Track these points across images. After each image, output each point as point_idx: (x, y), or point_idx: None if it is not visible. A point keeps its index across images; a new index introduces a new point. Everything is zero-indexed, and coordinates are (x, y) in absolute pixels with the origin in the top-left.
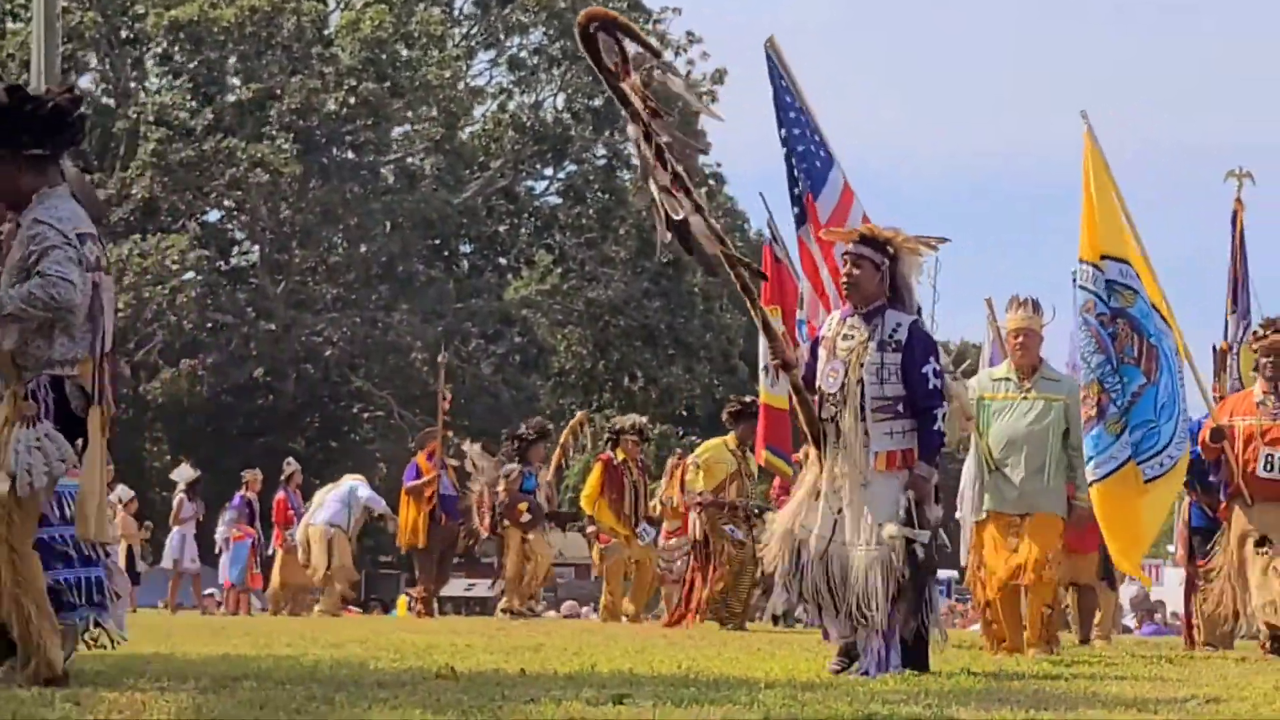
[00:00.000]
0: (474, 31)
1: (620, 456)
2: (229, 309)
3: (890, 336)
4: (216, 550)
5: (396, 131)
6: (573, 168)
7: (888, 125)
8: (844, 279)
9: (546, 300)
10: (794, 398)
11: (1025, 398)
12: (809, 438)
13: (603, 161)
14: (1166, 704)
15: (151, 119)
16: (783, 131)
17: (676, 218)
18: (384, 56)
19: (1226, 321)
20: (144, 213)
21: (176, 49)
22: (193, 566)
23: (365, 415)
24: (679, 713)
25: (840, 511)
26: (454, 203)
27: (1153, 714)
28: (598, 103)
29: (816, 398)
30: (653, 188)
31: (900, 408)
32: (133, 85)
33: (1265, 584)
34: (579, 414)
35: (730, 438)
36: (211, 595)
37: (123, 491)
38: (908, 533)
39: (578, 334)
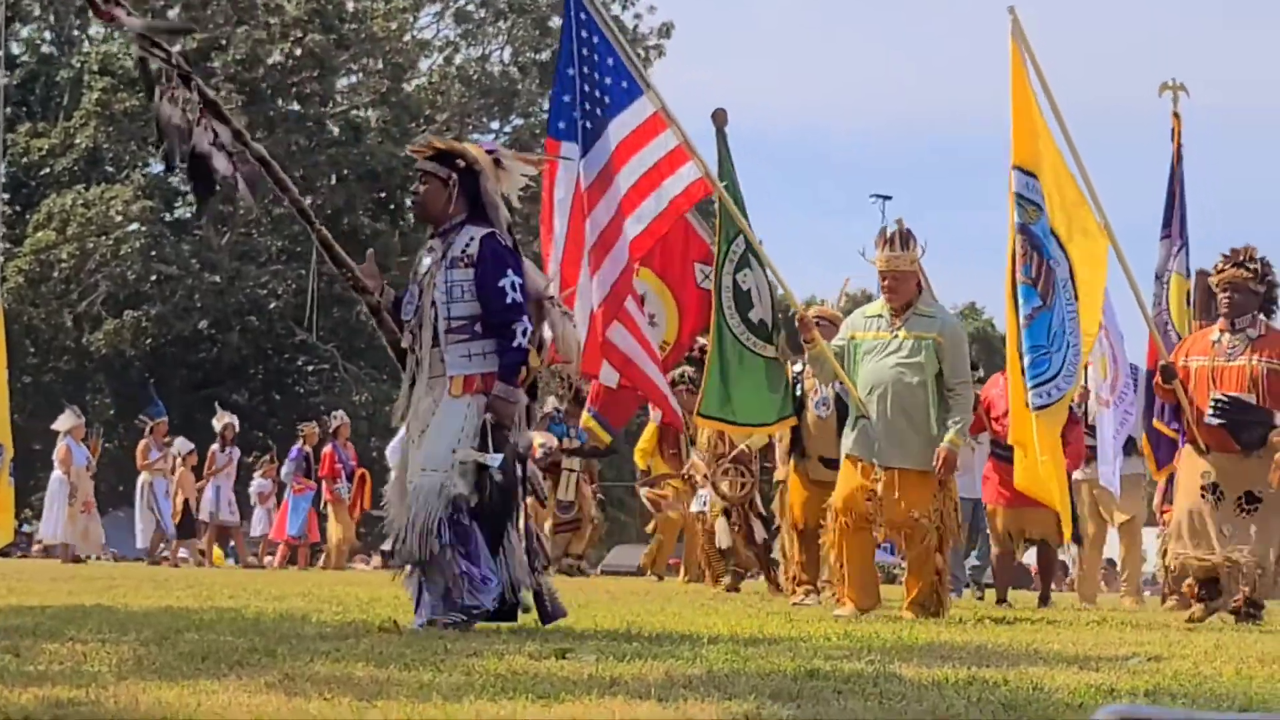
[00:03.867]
0: None
1: None
2: (173, 260)
3: (463, 252)
4: (251, 504)
5: (342, 83)
6: (519, 121)
7: (863, 84)
8: (410, 197)
9: None
10: (373, 322)
11: (895, 336)
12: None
13: (549, 115)
14: (1109, 661)
15: (95, 68)
16: (570, 70)
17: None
18: (330, 8)
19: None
20: (88, 162)
21: None
22: (232, 519)
23: (310, 368)
24: (622, 667)
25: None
26: (400, 155)
27: (1094, 671)
28: (544, 56)
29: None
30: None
31: (478, 328)
32: (76, 34)
33: (1195, 535)
34: None
35: None
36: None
37: (181, 444)
38: (477, 456)
39: None
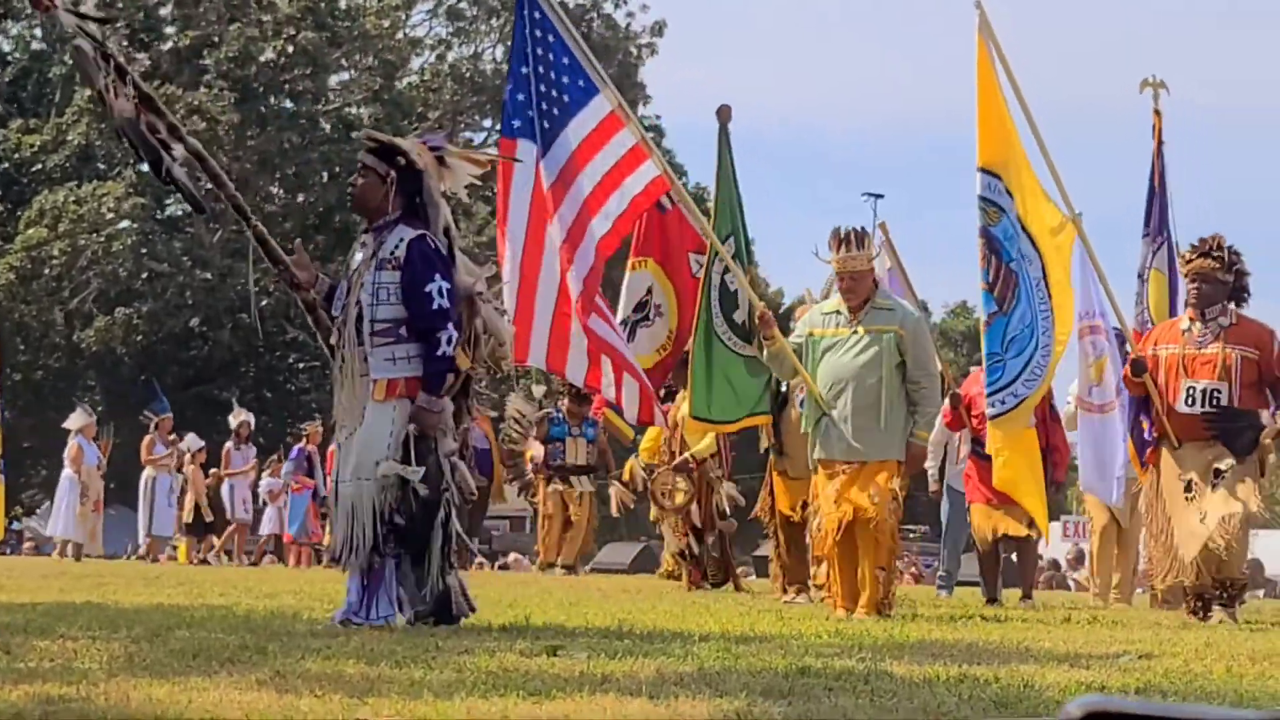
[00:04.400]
0: None
1: None
2: (164, 257)
3: (391, 254)
4: (260, 504)
5: (334, 81)
6: None
7: (859, 83)
8: (348, 189)
9: (484, 252)
10: (307, 315)
11: (854, 332)
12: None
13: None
14: (1100, 659)
15: None
16: (524, 69)
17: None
18: (322, 5)
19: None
20: (80, 160)
21: None
22: (245, 517)
23: (301, 366)
24: (613, 664)
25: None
26: None
27: (1085, 669)
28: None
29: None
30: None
31: (403, 331)
32: (68, 31)
33: (1195, 535)
34: None
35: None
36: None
37: (191, 441)
38: (398, 469)
39: None
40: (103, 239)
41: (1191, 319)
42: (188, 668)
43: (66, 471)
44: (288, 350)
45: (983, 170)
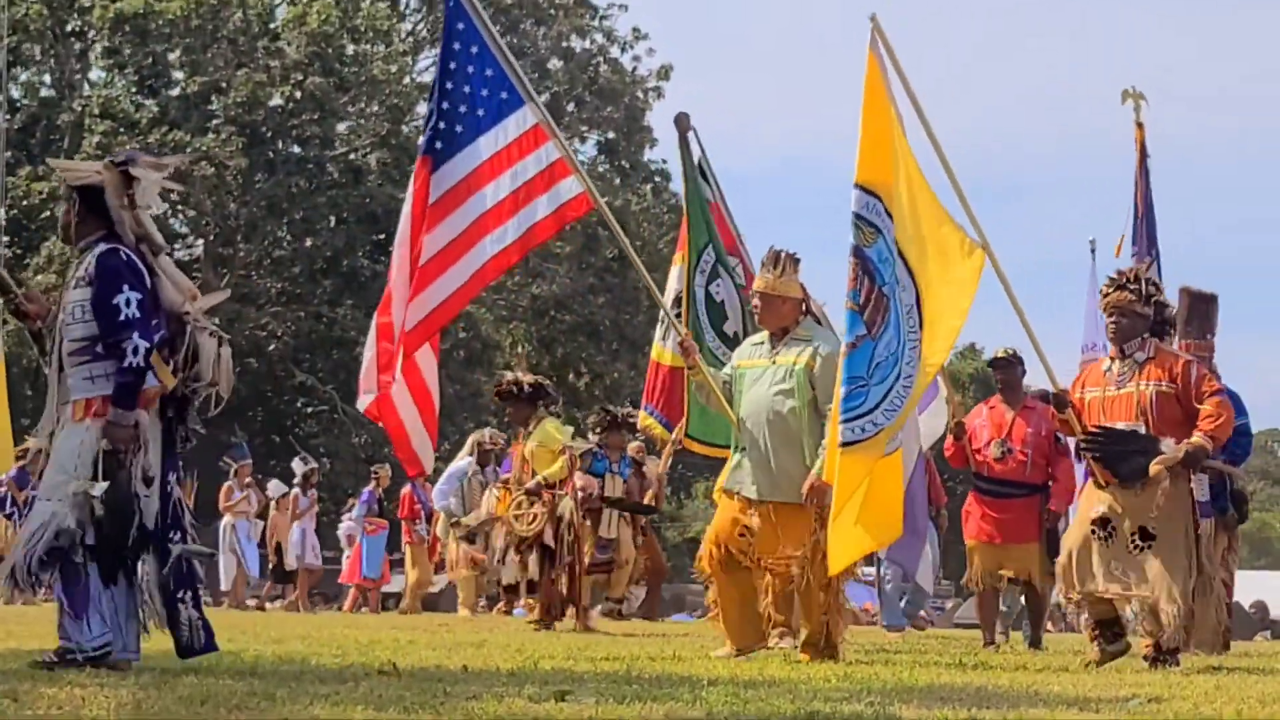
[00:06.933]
0: (420, 27)
1: None
2: None
3: (85, 271)
4: (342, 547)
5: (342, 126)
6: None
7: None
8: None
9: (491, 295)
10: None
11: (773, 363)
12: None
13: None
14: (1109, 703)
15: (96, 112)
16: (449, 84)
17: None
18: (330, 51)
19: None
20: None
21: (122, 42)
22: (315, 563)
23: (309, 410)
24: (621, 710)
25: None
26: (399, 197)
27: (1095, 713)
28: (543, 99)
29: None
30: None
31: (99, 349)
32: (77, 78)
33: (1080, 573)
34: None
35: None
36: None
37: (275, 487)
38: (84, 485)
39: (523, 330)
40: None
41: (1113, 357)
42: (195, 715)
43: None
44: (296, 394)
45: (860, 188)
